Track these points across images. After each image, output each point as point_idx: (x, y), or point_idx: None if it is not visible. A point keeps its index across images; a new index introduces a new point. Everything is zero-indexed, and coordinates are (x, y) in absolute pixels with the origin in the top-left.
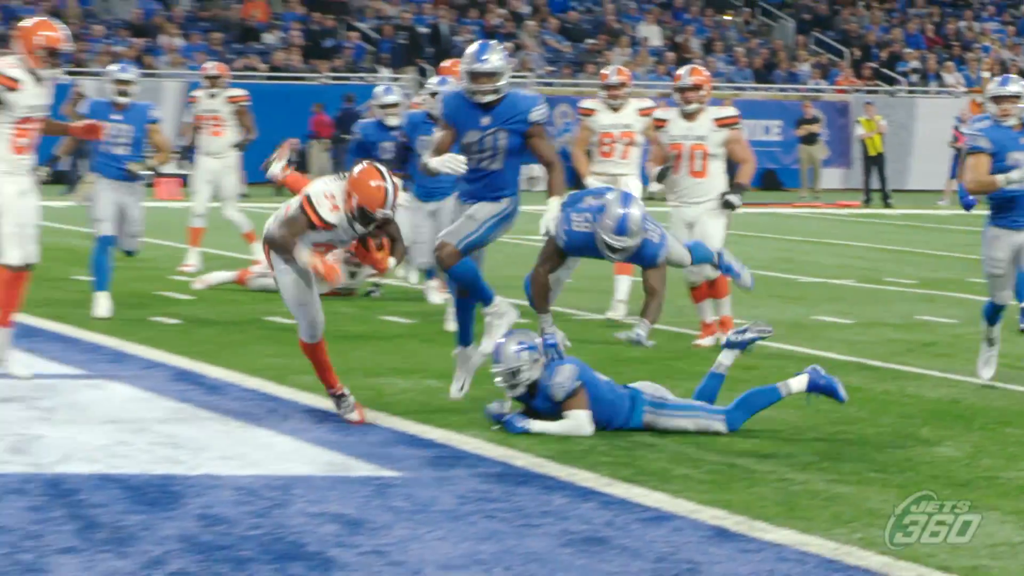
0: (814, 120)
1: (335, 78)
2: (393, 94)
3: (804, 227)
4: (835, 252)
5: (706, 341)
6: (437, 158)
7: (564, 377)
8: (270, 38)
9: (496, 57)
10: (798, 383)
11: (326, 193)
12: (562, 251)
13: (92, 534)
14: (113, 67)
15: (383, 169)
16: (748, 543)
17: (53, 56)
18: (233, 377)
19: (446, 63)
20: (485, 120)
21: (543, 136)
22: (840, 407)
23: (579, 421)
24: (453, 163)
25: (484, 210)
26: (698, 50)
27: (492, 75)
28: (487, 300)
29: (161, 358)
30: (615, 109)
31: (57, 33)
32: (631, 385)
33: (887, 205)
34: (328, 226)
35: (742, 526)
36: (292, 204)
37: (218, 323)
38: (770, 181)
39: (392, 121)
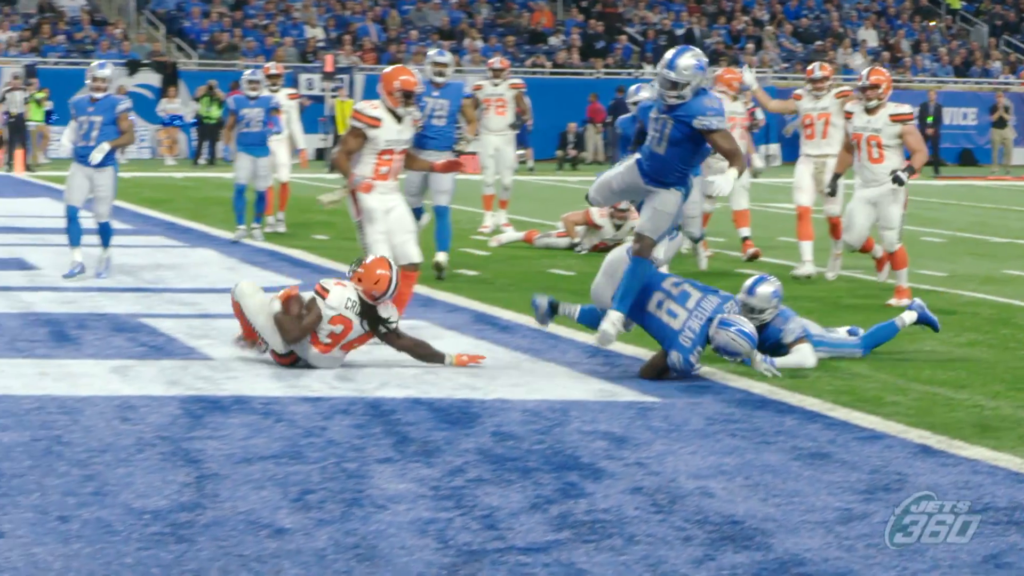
0: (1005, 108)
1: (607, 73)
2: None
3: (995, 196)
4: (1021, 217)
5: (898, 302)
6: None
7: (797, 324)
8: (554, 40)
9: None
10: (909, 316)
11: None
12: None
13: (405, 447)
14: (432, 51)
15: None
16: (947, 458)
17: (408, 98)
18: (521, 319)
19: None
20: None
21: (718, 136)
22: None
23: (806, 355)
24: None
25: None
26: (907, 50)
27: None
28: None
29: (462, 303)
30: (818, 99)
31: (412, 78)
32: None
33: None
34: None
35: (943, 444)
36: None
37: (509, 274)
38: (967, 159)
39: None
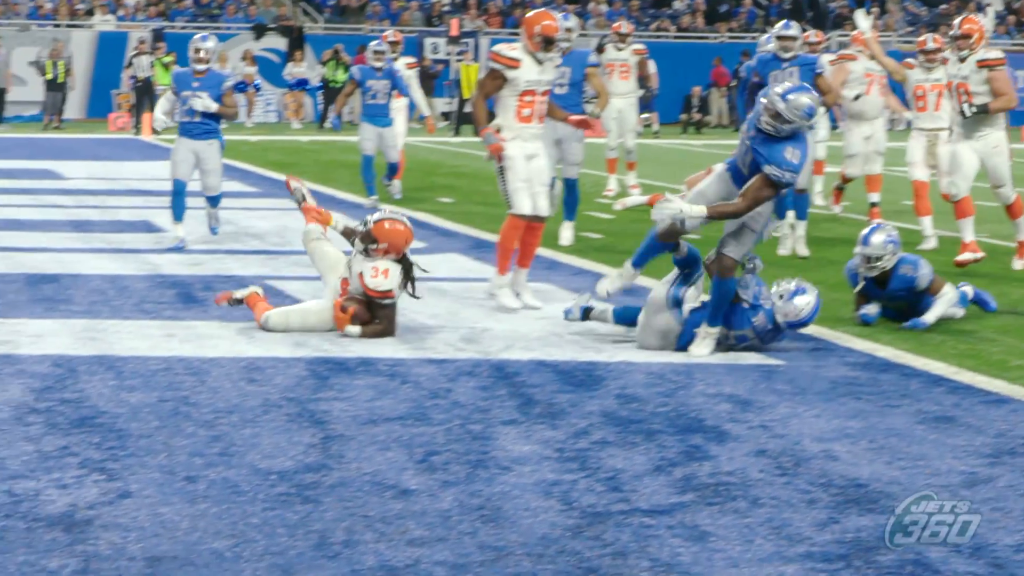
0: None
1: (731, 37)
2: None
3: None
4: None
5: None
6: None
7: (927, 267)
8: (678, 4)
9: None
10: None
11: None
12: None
13: (530, 409)
14: (558, 16)
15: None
16: None
17: (548, 44)
18: (646, 281)
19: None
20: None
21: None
22: None
23: (950, 294)
24: None
25: None
26: None
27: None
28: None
29: (587, 266)
30: (930, 71)
31: (554, 23)
32: None
33: None
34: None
35: None
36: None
37: (633, 236)
38: None
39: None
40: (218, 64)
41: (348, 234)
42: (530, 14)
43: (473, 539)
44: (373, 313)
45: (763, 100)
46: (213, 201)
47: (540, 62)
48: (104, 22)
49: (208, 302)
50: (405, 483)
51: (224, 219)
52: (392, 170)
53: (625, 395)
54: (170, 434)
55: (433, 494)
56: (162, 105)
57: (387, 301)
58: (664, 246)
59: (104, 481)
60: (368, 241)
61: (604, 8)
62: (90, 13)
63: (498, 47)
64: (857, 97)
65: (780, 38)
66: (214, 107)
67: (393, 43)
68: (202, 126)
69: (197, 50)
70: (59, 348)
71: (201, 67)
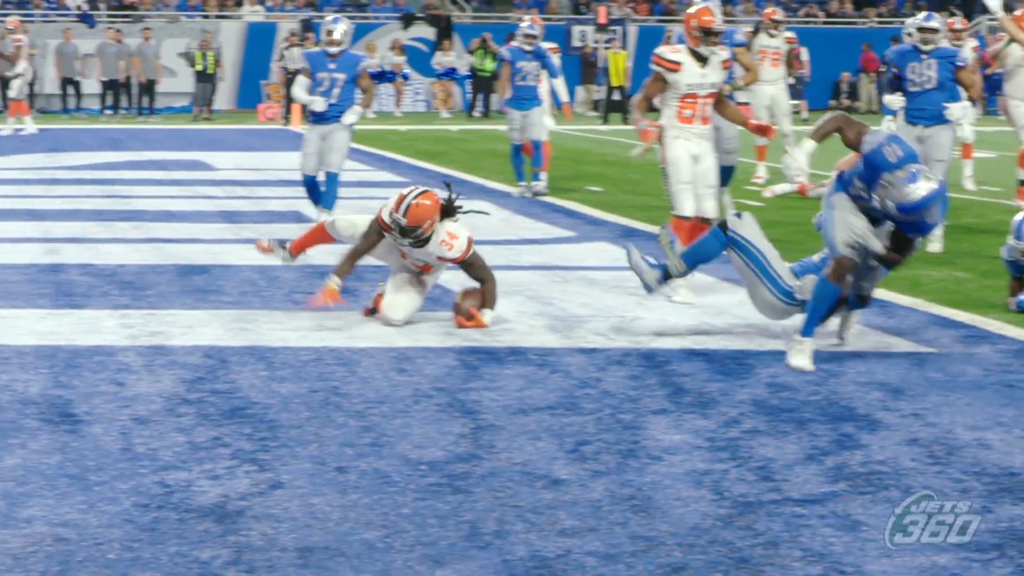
0: None
1: (880, 22)
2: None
3: None
4: None
5: None
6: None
7: None
8: None
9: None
10: None
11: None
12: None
13: (680, 398)
14: (693, 8)
15: (431, 192)
16: None
17: (707, 35)
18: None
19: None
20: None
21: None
22: None
23: None
24: None
25: None
26: None
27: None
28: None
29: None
30: None
31: (711, 17)
32: None
33: None
34: (384, 226)
35: None
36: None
37: (784, 224)
38: None
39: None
40: (368, 53)
41: (372, 237)
42: (691, 9)
43: (624, 529)
44: (477, 276)
45: (885, 183)
46: (329, 187)
47: (703, 62)
48: (253, 13)
49: (359, 292)
50: (555, 473)
51: (372, 209)
52: (536, 153)
53: (776, 384)
54: (321, 425)
55: (584, 484)
56: (300, 87)
57: (471, 255)
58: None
59: (255, 472)
60: (412, 233)
61: None
62: (239, 4)
63: (660, 49)
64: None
65: (921, 30)
66: (360, 112)
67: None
68: (335, 108)
69: (329, 32)
70: (210, 339)
71: (334, 50)
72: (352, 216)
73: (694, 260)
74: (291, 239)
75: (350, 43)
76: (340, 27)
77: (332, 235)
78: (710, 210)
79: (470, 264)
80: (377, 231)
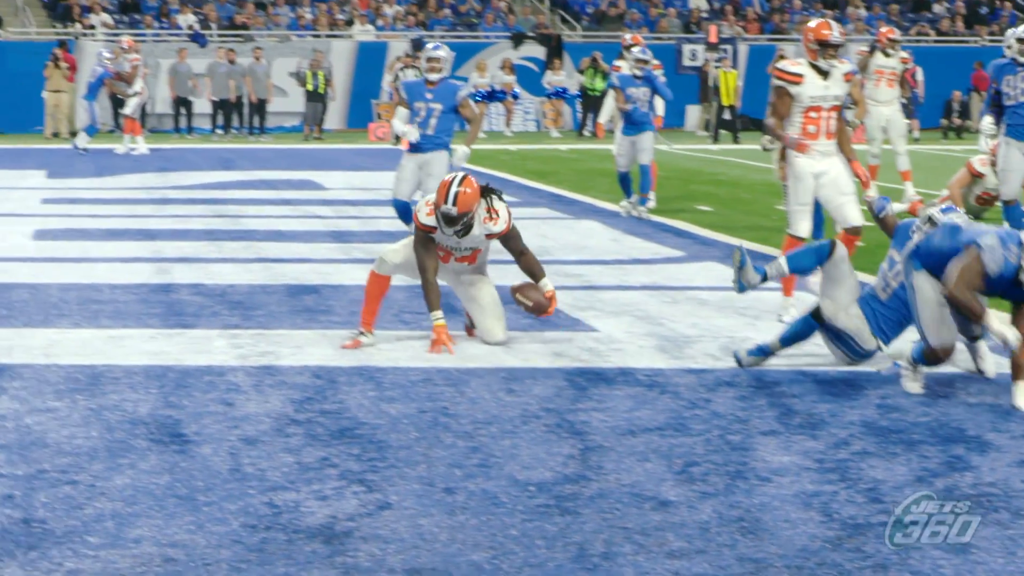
0: None
1: (992, 41)
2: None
3: None
4: None
5: None
6: None
7: None
8: (938, 8)
9: None
10: None
11: (427, 200)
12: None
13: (789, 419)
14: (811, 23)
15: (470, 177)
16: None
17: (824, 47)
18: None
19: None
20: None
21: None
22: None
23: None
24: None
25: None
26: None
27: None
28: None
29: None
30: None
31: (828, 29)
32: None
33: None
34: (428, 228)
35: None
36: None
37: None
38: None
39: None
40: (478, 73)
41: (424, 247)
42: (810, 23)
43: (732, 551)
44: (517, 248)
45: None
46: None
47: (824, 75)
48: (363, 32)
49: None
50: (664, 494)
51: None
52: (645, 178)
53: (886, 405)
54: (429, 445)
55: (692, 505)
56: (398, 118)
57: (513, 227)
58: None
59: (364, 493)
60: (463, 219)
61: (863, 13)
62: (350, 23)
63: (781, 63)
64: None
65: (1020, 40)
66: (468, 154)
67: (631, 46)
68: (433, 140)
69: (430, 59)
70: (319, 359)
71: (434, 76)
72: (386, 246)
73: (791, 340)
74: (360, 323)
75: (450, 71)
76: (440, 54)
77: (385, 273)
78: (855, 217)
79: (512, 237)
80: (423, 239)
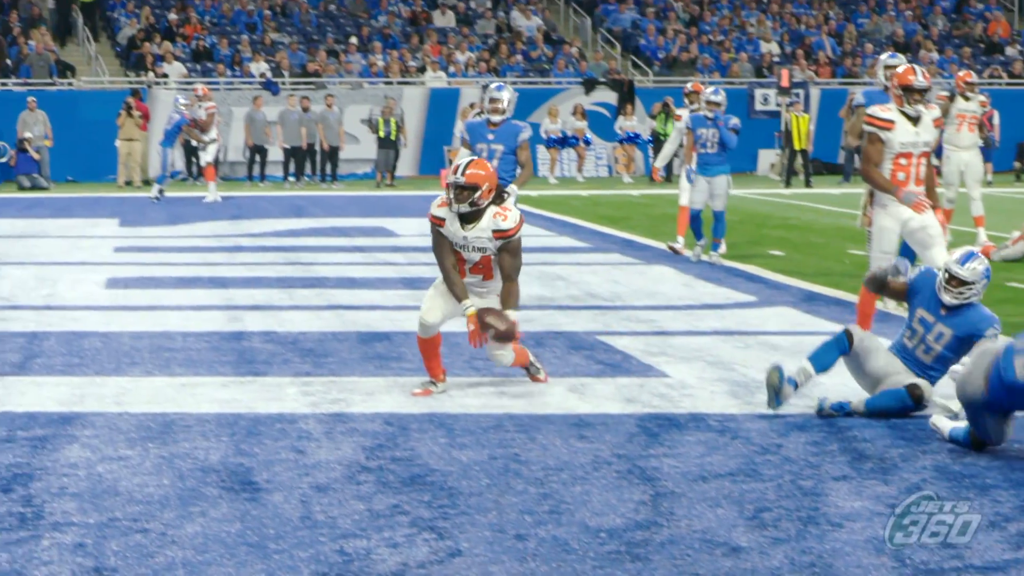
0: None
1: None
2: None
3: None
4: None
5: None
6: None
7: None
8: (1011, 51)
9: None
10: None
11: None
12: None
13: (861, 464)
14: (884, 56)
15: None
16: None
17: (908, 93)
18: None
19: None
20: None
21: None
22: None
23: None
24: None
25: None
26: None
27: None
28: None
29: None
30: None
31: (912, 75)
32: None
33: None
34: (438, 220)
35: None
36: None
37: None
38: None
39: None
40: (549, 119)
41: (441, 243)
42: (897, 69)
43: None
44: (508, 264)
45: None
46: None
47: (914, 121)
48: (435, 79)
49: (539, 358)
50: (735, 540)
51: (554, 274)
52: (719, 224)
53: (958, 449)
54: (500, 492)
55: (764, 551)
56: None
57: (519, 235)
58: None
59: (435, 540)
60: (467, 196)
61: (935, 56)
62: (421, 70)
63: (872, 109)
64: None
65: None
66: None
67: (691, 93)
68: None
69: (492, 100)
70: (391, 406)
71: (497, 118)
72: (422, 305)
73: (876, 413)
74: (427, 374)
75: (513, 112)
76: (504, 95)
77: (429, 336)
78: (939, 256)
79: (511, 248)
80: (436, 235)
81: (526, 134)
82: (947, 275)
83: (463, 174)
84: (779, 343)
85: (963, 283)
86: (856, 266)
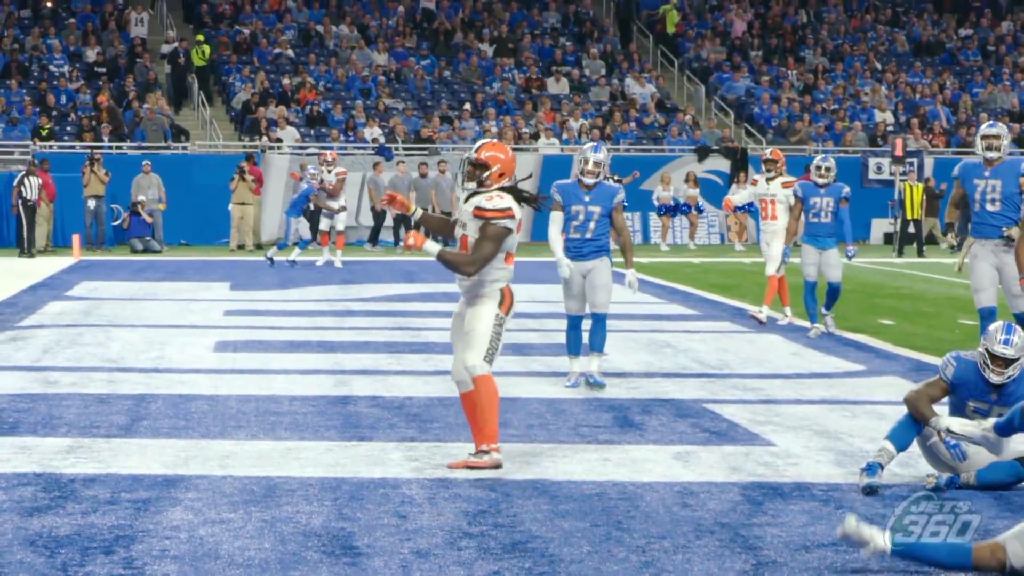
0: None
1: None
2: None
3: None
4: None
5: None
6: None
7: None
8: None
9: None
10: None
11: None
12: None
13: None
14: (984, 126)
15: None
16: None
17: None
18: None
19: None
20: None
21: None
22: None
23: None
24: None
25: None
26: None
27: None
28: None
29: None
30: None
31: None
32: None
33: None
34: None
35: None
36: None
37: None
38: None
39: None
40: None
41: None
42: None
43: None
44: (478, 250)
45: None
46: (596, 331)
47: None
48: (548, 145)
49: (645, 426)
50: None
51: (663, 341)
52: (834, 294)
53: None
54: (601, 559)
55: None
56: (554, 225)
57: (505, 221)
58: None
59: None
60: (477, 174)
61: None
62: (535, 137)
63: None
64: None
65: None
66: (633, 285)
67: (769, 161)
68: (591, 244)
69: (586, 161)
70: (494, 472)
71: (590, 180)
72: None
73: (988, 486)
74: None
75: (607, 172)
76: (598, 156)
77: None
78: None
79: (487, 233)
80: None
81: (621, 196)
82: (989, 356)
83: (477, 151)
84: (887, 412)
85: (1009, 362)
86: (966, 335)
